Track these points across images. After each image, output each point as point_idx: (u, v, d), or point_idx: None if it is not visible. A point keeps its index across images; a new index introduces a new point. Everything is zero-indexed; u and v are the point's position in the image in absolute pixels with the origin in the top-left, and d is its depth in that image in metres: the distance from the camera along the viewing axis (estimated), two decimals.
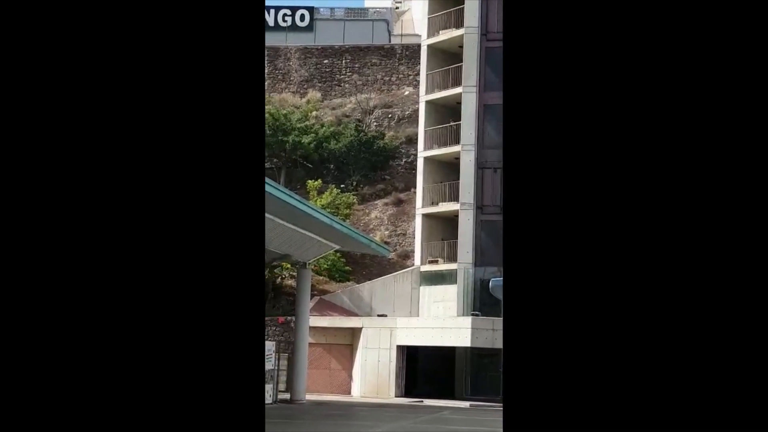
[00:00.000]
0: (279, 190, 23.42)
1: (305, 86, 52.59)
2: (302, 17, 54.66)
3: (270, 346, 28.47)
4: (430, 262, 37.92)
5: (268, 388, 27.71)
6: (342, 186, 45.31)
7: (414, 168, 42.47)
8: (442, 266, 37.25)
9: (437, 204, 38.38)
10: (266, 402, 27.08)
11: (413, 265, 39.06)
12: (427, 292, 37.60)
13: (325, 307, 37.14)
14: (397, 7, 58.04)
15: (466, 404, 31.37)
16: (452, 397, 33.84)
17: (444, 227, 38.40)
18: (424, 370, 36.30)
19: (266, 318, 33.05)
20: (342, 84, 52.45)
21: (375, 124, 49.56)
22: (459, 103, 37.65)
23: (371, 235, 40.58)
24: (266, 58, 53.41)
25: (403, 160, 47.13)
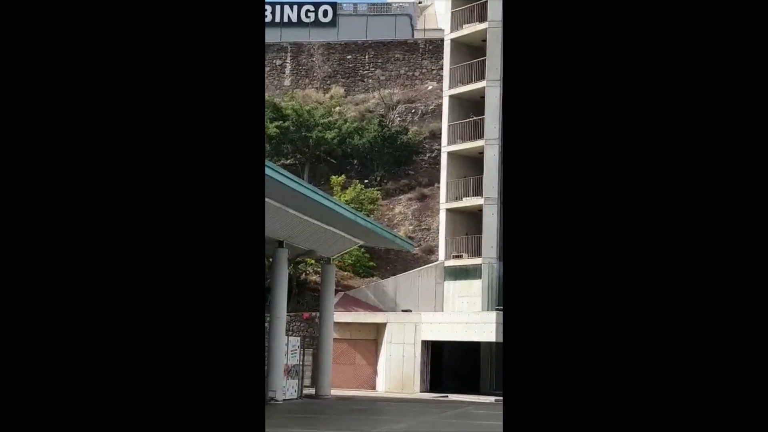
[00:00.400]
0: (303, 185, 23.45)
1: (328, 82, 52.65)
2: (325, 13, 54.71)
3: (295, 341, 28.55)
4: (455, 257, 37.86)
5: (294, 383, 27.80)
6: (366, 181, 45.34)
7: (438, 163, 42.40)
8: (467, 261, 37.18)
9: (461, 199, 38.30)
10: (292, 397, 27.19)
11: (437, 260, 39.01)
12: (452, 287, 37.55)
13: (350, 302, 37.19)
14: (420, 2, 57.95)
15: (491, 399, 31.30)
16: (477, 392, 33.81)
17: (468, 222, 38.31)
18: (449, 365, 36.29)
19: (291, 314, 33.15)
20: (365, 79, 52.46)
21: (398, 119, 49.52)
22: (483, 98, 37.53)
23: (395, 230, 40.58)
24: (289, 54, 53.53)
25: (427, 155, 47.08)
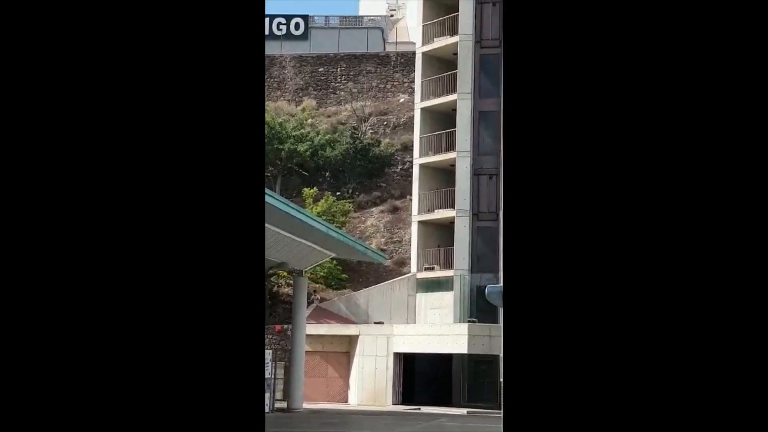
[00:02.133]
0: (275, 198, 23.45)
1: (300, 94, 52.65)
2: (297, 26, 54.74)
3: (267, 354, 28.47)
4: (427, 269, 37.95)
5: (266, 397, 27.71)
6: (338, 194, 45.35)
7: (410, 175, 42.52)
8: (439, 273, 37.29)
9: (433, 211, 38.44)
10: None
11: (409, 272, 39.08)
12: (424, 299, 37.62)
13: (322, 314, 37.14)
14: (391, 15, 58.15)
15: (463, 411, 31.37)
16: (449, 404, 33.86)
17: (440, 234, 38.44)
18: (422, 377, 36.31)
19: None
20: (337, 92, 52.52)
21: (370, 131, 49.61)
22: (454, 110, 37.75)
23: (367, 242, 40.59)
24: None
25: (399, 167, 47.18)
